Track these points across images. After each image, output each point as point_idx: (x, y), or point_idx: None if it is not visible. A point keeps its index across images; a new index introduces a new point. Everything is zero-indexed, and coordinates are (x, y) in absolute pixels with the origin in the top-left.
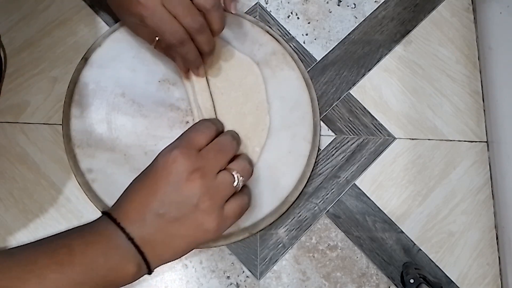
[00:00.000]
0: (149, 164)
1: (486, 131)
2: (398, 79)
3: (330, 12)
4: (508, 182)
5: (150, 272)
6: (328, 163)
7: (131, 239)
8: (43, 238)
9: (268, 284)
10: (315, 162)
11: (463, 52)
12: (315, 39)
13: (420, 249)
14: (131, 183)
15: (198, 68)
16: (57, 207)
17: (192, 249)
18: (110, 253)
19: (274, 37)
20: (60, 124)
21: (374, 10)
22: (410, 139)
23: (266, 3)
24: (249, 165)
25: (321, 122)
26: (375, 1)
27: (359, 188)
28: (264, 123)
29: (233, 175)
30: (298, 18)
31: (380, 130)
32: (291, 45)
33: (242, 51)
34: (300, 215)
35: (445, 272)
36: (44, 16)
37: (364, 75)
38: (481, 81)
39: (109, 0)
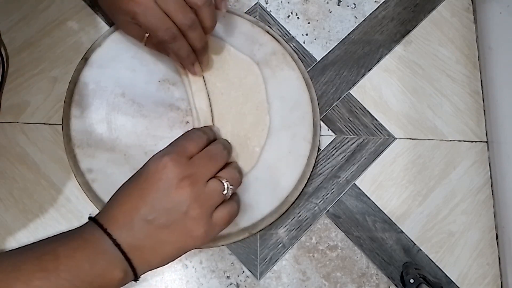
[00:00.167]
0: (139, 168)
1: (486, 131)
2: (398, 79)
3: (330, 12)
4: (508, 182)
5: (136, 278)
6: (328, 163)
7: (117, 244)
8: (29, 244)
9: (268, 284)
10: (315, 162)
11: (463, 52)
12: (315, 39)
13: (420, 249)
14: (120, 187)
15: (193, 65)
16: (57, 207)
17: (180, 256)
18: (96, 259)
19: (274, 37)
20: (60, 124)
21: (374, 10)
22: (410, 139)
23: (266, 3)
24: (238, 174)
25: (321, 122)
26: (375, 1)
27: (359, 188)
28: (264, 123)
29: (222, 183)
30: (298, 18)
31: (380, 130)
32: (291, 45)
33: (242, 51)
34: (300, 215)
35: (445, 272)
36: (44, 16)
37: (364, 75)
38: (481, 81)
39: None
